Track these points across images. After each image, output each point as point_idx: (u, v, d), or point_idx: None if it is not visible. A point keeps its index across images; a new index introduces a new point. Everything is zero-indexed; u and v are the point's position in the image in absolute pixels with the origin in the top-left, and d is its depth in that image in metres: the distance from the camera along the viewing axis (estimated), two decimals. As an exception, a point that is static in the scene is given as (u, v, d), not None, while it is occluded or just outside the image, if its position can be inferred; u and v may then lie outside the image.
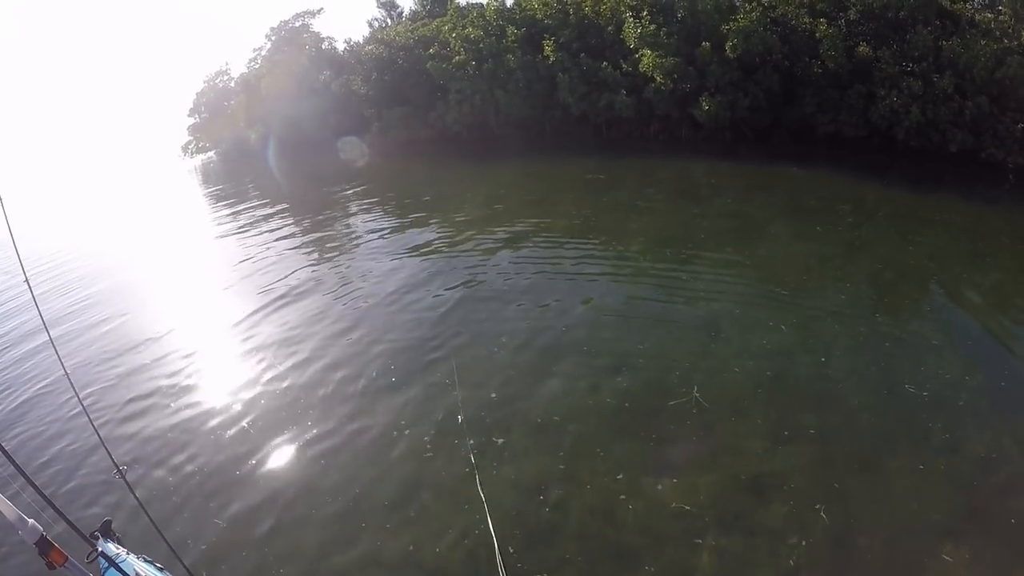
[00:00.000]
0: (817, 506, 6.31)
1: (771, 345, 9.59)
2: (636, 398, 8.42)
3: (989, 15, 21.11)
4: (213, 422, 9.04)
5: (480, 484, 6.72)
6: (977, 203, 16.87)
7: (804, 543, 5.93)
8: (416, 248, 16.38)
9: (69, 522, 3.32)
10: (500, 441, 7.81)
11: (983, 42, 20.04)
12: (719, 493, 6.59)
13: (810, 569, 5.69)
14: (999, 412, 7.66)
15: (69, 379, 6.05)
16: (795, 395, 8.17)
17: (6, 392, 11.28)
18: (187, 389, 10.21)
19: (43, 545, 2.76)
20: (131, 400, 10.15)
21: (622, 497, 6.67)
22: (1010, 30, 20.34)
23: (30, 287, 4.95)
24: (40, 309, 5.54)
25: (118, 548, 3.94)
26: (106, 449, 5.00)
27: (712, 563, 5.80)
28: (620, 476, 6.98)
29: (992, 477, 6.57)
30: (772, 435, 7.43)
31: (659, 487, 6.76)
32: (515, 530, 6.35)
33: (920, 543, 5.82)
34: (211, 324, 13.10)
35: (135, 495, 4.65)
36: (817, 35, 23.10)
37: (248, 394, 9.70)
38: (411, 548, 6.22)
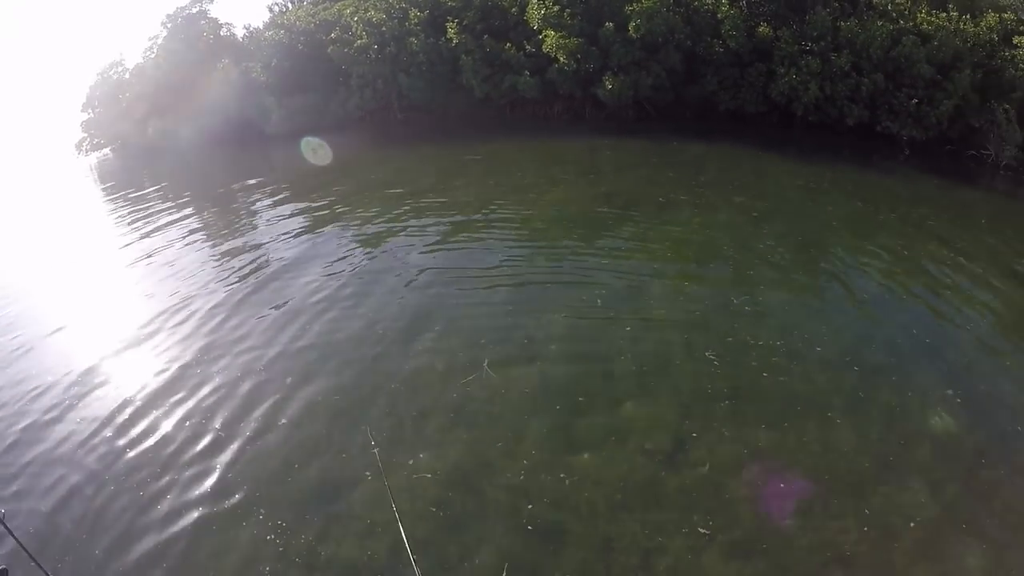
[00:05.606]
0: (732, 472, 6.21)
1: (681, 316, 9.24)
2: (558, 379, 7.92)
3: (885, -3, 21.27)
4: (111, 453, 7.51)
5: (386, 479, 5.98)
6: (874, 173, 16.94)
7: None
8: (321, 246, 13.66)
9: None
10: (410, 432, 7.28)
11: (880, 23, 20.15)
12: (633, 465, 6.44)
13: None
14: (903, 367, 7.73)
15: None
16: (708, 363, 8.01)
17: None
18: (83, 418, 8.24)
19: None
20: (13, 429, 8.24)
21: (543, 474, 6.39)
22: (906, 11, 20.69)
23: None
24: None
25: None
26: None
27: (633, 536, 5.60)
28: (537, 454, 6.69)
29: (899, 431, 6.65)
30: (686, 403, 7.27)
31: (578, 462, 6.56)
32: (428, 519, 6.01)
33: (835, 497, 5.83)
34: (110, 336, 10.50)
35: (16, 539, 4.01)
36: (719, 16, 22.78)
37: (150, 420, 8.05)
38: (333, 550, 5.80)
